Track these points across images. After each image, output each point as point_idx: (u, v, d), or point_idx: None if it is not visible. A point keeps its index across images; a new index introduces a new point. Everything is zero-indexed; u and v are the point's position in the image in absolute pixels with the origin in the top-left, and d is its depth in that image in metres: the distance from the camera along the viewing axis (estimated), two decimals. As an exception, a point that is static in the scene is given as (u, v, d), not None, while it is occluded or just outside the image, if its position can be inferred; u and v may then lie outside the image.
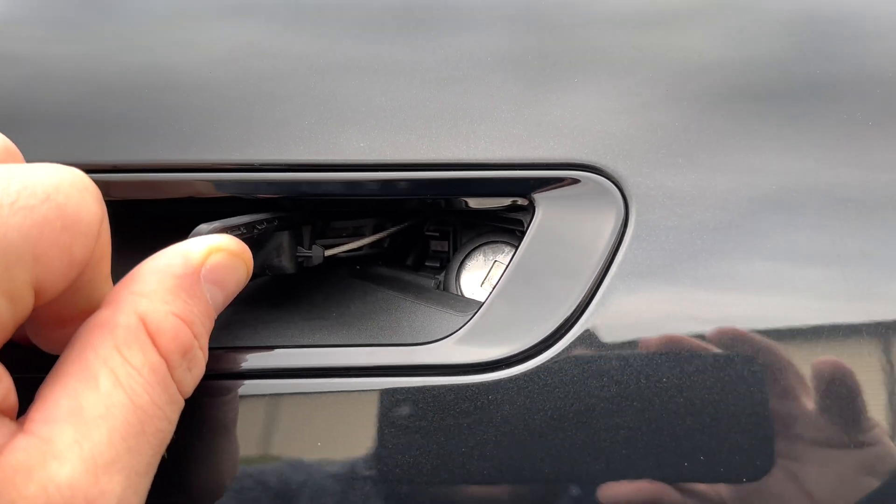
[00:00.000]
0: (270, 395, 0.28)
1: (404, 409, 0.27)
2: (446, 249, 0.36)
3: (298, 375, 0.28)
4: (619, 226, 0.28)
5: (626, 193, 0.28)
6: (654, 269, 0.28)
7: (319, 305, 0.33)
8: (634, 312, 0.27)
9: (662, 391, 0.27)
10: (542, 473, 0.27)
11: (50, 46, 0.32)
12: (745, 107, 0.30)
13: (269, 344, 0.29)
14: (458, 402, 0.27)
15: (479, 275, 0.34)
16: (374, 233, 0.34)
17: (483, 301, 0.30)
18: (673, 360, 0.27)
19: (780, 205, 0.28)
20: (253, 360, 0.28)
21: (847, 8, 0.32)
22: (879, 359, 0.27)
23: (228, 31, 0.32)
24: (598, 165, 0.29)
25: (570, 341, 0.27)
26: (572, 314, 0.28)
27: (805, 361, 0.27)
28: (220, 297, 0.26)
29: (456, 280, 0.34)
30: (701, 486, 0.26)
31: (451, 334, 0.28)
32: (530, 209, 0.30)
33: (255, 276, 0.28)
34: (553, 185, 0.29)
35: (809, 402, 0.27)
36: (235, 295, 0.27)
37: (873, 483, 0.26)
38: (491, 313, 0.28)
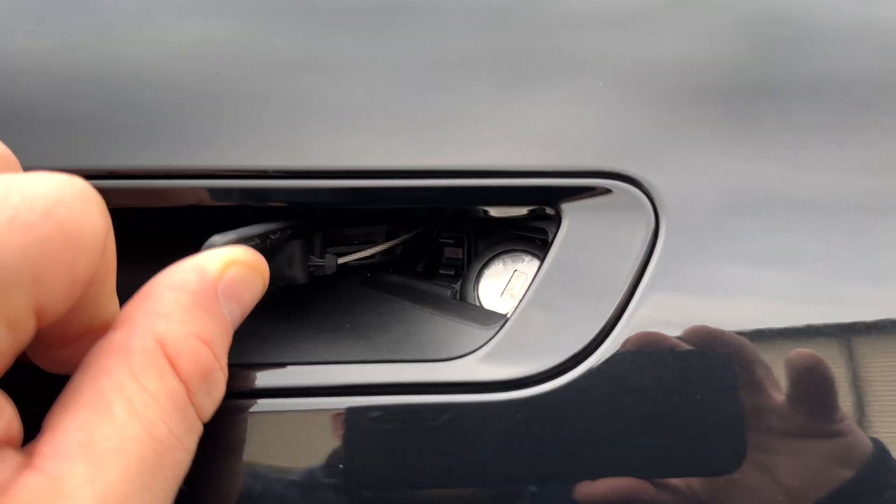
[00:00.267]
0: (286, 413, 0.26)
1: (429, 429, 0.26)
2: (461, 257, 0.35)
3: (315, 394, 0.26)
4: (650, 237, 0.27)
5: (657, 204, 0.27)
6: (687, 283, 0.27)
7: (331, 317, 0.31)
8: (667, 327, 0.26)
9: (696, 406, 0.26)
10: (575, 495, 0.26)
11: (21, 40, 0.30)
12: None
13: (282, 360, 0.27)
14: (487, 422, 0.26)
15: (498, 284, 0.33)
16: (386, 240, 0.33)
17: (507, 314, 0.29)
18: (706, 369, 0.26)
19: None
20: (267, 378, 0.27)
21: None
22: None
23: (229, 28, 0.30)
24: (629, 174, 0.28)
25: (602, 358, 0.26)
26: (602, 329, 0.27)
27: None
28: (238, 312, 0.24)
29: (474, 290, 0.33)
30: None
31: (476, 349, 0.27)
32: (555, 218, 0.29)
33: (265, 286, 0.26)
34: (582, 195, 0.28)
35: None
36: (251, 308, 0.25)
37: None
38: (519, 327, 0.27)
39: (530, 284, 0.28)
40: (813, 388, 0.26)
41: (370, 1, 0.30)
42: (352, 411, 0.26)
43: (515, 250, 0.33)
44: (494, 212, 0.30)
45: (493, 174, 0.28)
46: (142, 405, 0.20)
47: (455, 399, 0.26)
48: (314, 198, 0.28)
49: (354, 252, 0.32)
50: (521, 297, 0.28)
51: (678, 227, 0.27)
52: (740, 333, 0.26)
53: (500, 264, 0.33)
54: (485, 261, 0.33)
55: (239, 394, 0.26)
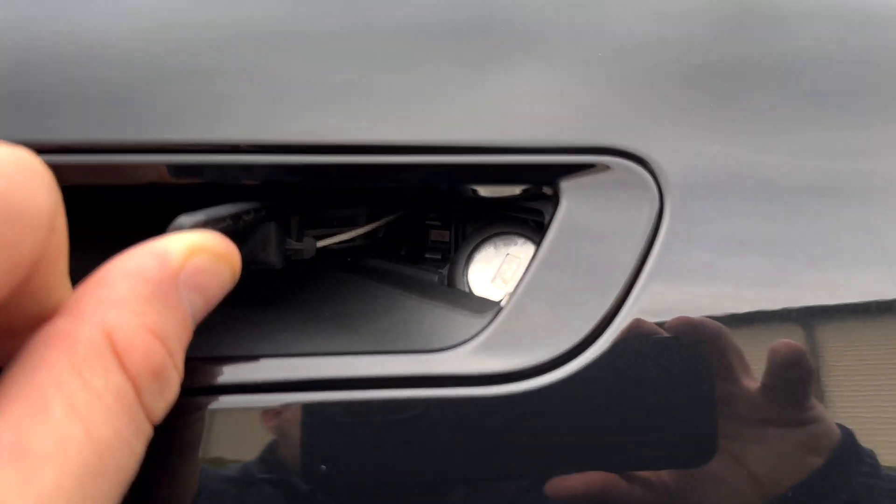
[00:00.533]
0: (258, 411, 0.24)
1: (420, 425, 0.24)
2: (448, 240, 0.32)
3: (294, 389, 0.24)
4: (654, 218, 0.25)
5: (662, 182, 0.26)
6: (693, 268, 0.25)
7: (310, 304, 0.29)
8: (672, 315, 0.25)
9: (702, 398, 0.24)
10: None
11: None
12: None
13: (255, 353, 0.25)
14: (482, 417, 0.24)
15: (489, 269, 0.31)
16: (368, 222, 0.31)
17: (500, 301, 0.27)
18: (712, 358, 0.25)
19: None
20: (239, 372, 0.24)
21: None
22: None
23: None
24: (630, 150, 0.26)
25: (603, 348, 0.24)
26: (604, 318, 0.25)
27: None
28: (201, 305, 0.22)
29: (464, 275, 0.31)
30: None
31: (469, 339, 0.25)
32: (552, 198, 0.27)
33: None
34: (581, 173, 0.26)
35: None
36: (218, 302, 0.23)
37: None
38: (515, 316, 0.25)
39: (526, 270, 0.26)
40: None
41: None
42: (335, 407, 0.24)
43: (507, 233, 0.31)
44: (486, 191, 0.28)
45: (487, 150, 0.26)
46: (84, 403, 0.18)
47: (448, 393, 0.24)
48: (291, 175, 0.25)
49: (334, 235, 0.30)
50: (516, 284, 0.26)
51: (684, 207, 0.26)
52: (748, 321, 0.25)
53: (492, 248, 0.31)
54: (475, 244, 0.31)
55: (207, 389, 0.24)
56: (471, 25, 0.27)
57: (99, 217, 0.27)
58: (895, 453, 0.25)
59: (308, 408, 0.24)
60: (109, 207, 0.28)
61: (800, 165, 0.27)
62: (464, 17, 0.28)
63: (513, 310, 0.25)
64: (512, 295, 0.25)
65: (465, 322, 0.26)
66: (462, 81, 0.26)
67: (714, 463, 0.24)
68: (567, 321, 0.25)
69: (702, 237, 0.25)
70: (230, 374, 0.24)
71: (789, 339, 0.25)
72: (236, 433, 0.24)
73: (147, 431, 0.20)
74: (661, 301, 0.25)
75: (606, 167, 0.26)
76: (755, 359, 0.25)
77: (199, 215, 0.22)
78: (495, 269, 0.31)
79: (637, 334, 0.25)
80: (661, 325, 0.25)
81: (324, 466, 0.24)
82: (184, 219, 0.22)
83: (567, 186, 0.26)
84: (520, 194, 0.28)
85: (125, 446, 0.19)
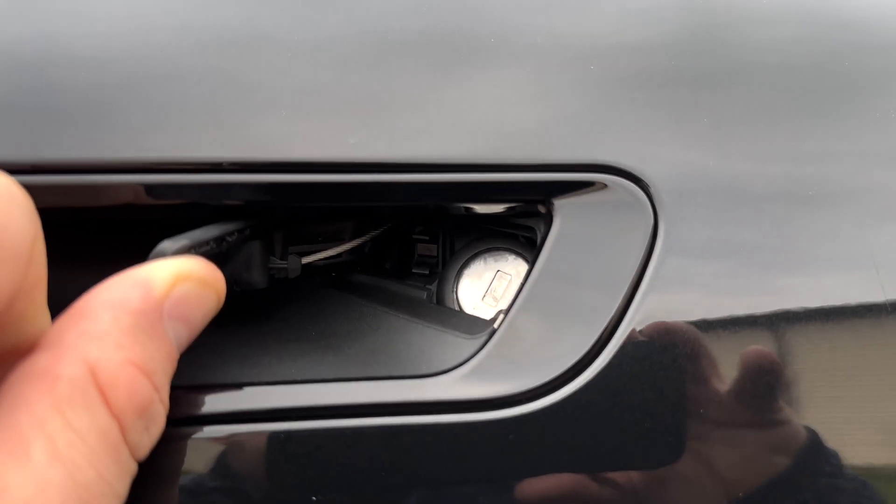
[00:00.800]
0: (246, 440, 0.23)
1: (413, 454, 0.23)
2: (435, 254, 0.32)
3: (280, 418, 0.23)
4: (649, 237, 0.25)
5: (656, 199, 0.25)
6: (689, 285, 0.25)
7: (294, 324, 0.28)
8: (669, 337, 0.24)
9: (705, 420, 0.24)
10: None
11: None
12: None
13: (240, 380, 0.24)
14: (477, 444, 0.23)
15: (479, 286, 0.30)
16: (354, 236, 0.30)
17: (493, 320, 0.26)
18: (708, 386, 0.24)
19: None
20: (222, 401, 0.23)
21: None
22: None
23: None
24: (625, 167, 0.25)
25: (600, 369, 0.24)
26: (599, 338, 0.24)
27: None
28: (185, 335, 0.21)
29: (453, 291, 0.30)
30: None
31: (463, 363, 0.24)
32: (544, 216, 0.26)
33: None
34: (576, 191, 0.25)
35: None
36: (201, 330, 0.22)
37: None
38: (509, 338, 0.24)
39: (520, 289, 0.25)
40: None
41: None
42: (324, 436, 0.23)
43: (498, 248, 0.31)
44: (477, 208, 0.27)
45: (478, 168, 0.25)
46: (66, 445, 0.17)
47: (441, 420, 0.23)
48: (277, 195, 0.24)
49: (319, 251, 0.29)
50: (509, 303, 0.25)
51: (678, 225, 0.25)
52: (747, 332, 0.25)
53: (482, 263, 0.31)
54: (464, 260, 0.30)
55: (189, 420, 0.23)
56: (458, 36, 0.27)
57: (75, 238, 0.26)
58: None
59: (296, 437, 0.23)
60: (86, 228, 0.26)
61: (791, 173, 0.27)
62: (451, 27, 0.27)
63: (507, 331, 0.25)
64: (505, 315, 0.25)
65: (455, 343, 0.25)
66: (451, 94, 0.26)
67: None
68: (562, 343, 0.24)
69: (697, 255, 0.25)
70: (213, 403, 0.23)
71: (762, 343, 0.25)
72: (220, 464, 0.23)
73: (131, 470, 0.19)
74: (657, 319, 0.24)
75: (604, 186, 0.25)
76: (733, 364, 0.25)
77: (182, 240, 0.21)
78: (486, 286, 0.30)
79: (632, 356, 0.24)
80: (651, 342, 0.24)
81: (315, 498, 0.23)
82: (166, 244, 0.21)
83: (561, 205, 0.25)
84: (510, 212, 0.28)
85: (108, 489, 0.18)
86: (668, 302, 0.25)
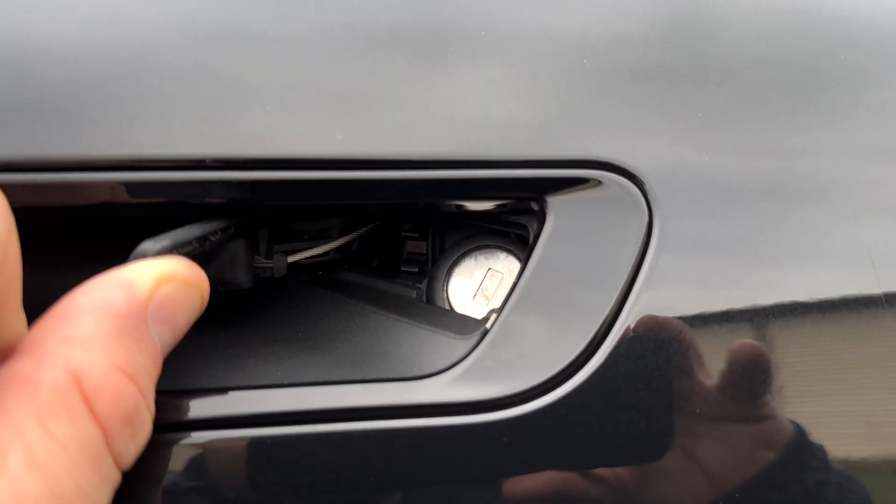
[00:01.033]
0: (232, 447, 0.22)
1: (404, 458, 0.23)
2: (425, 252, 0.31)
3: (268, 423, 0.23)
4: (644, 234, 0.24)
5: (650, 196, 0.25)
6: (685, 282, 0.24)
7: (281, 324, 0.27)
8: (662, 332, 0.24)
9: (698, 423, 0.24)
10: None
11: None
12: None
13: (225, 384, 0.23)
14: (471, 447, 0.23)
15: (470, 284, 0.29)
16: (341, 234, 0.29)
17: (484, 320, 0.26)
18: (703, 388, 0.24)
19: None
20: (207, 407, 0.23)
21: None
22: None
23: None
24: (620, 163, 0.25)
25: (595, 369, 0.24)
26: (594, 338, 0.24)
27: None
28: (170, 337, 0.20)
29: (444, 290, 0.29)
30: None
31: (455, 364, 0.24)
32: (536, 213, 0.26)
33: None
34: (570, 187, 0.25)
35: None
36: (185, 332, 0.21)
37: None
38: (502, 338, 0.24)
39: (512, 288, 0.24)
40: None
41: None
42: (312, 441, 0.22)
43: (489, 246, 0.30)
44: (469, 206, 0.26)
45: (469, 164, 0.24)
46: (46, 455, 0.16)
47: (433, 423, 0.23)
48: (261, 193, 0.23)
49: (305, 249, 0.28)
50: (501, 303, 0.25)
51: (672, 222, 0.25)
52: (744, 327, 0.24)
53: (472, 261, 0.30)
54: (455, 257, 0.30)
55: (175, 426, 0.22)
56: (448, 30, 0.26)
57: (52, 239, 0.25)
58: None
59: (283, 442, 0.22)
60: (64, 228, 0.25)
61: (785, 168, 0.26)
62: (441, 20, 0.26)
63: (499, 331, 0.24)
64: (498, 315, 0.24)
65: (447, 344, 0.25)
66: (442, 89, 0.25)
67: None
68: (556, 343, 0.24)
69: (693, 251, 0.25)
70: (197, 408, 0.23)
71: (757, 338, 0.25)
72: (205, 471, 0.22)
73: (114, 480, 0.18)
74: (651, 318, 0.24)
75: (598, 182, 0.24)
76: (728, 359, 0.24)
77: (164, 240, 0.20)
78: (477, 285, 0.29)
79: (628, 354, 0.24)
80: (647, 340, 0.24)
81: (303, 505, 0.22)
82: (147, 245, 0.20)
83: (554, 202, 0.25)
84: (502, 209, 0.27)
85: (88, 500, 0.17)
86: (663, 299, 0.24)
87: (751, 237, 0.25)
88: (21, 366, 0.17)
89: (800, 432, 0.25)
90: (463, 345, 0.24)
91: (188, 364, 0.24)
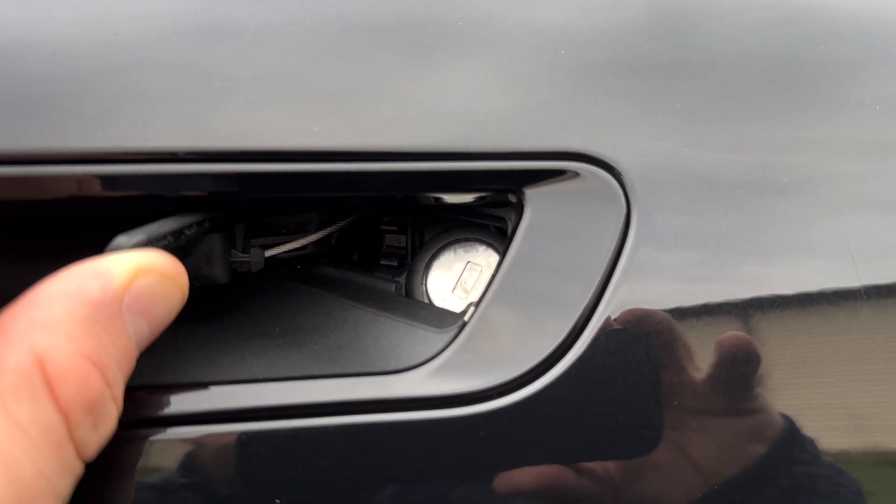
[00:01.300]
0: (208, 442, 0.22)
1: (381, 452, 0.22)
2: (404, 245, 0.31)
3: (244, 418, 0.22)
4: (622, 226, 0.24)
5: (628, 189, 0.25)
6: (664, 275, 0.24)
7: (258, 319, 0.27)
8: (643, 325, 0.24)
9: (677, 412, 0.24)
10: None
11: None
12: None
13: (202, 379, 0.23)
14: (448, 441, 0.23)
15: (449, 278, 0.29)
16: (320, 227, 0.29)
17: (463, 313, 0.26)
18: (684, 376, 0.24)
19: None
20: (184, 402, 0.22)
21: None
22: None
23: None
24: (597, 155, 0.25)
25: (573, 361, 0.24)
26: (572, 331, 0.24)
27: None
28: (146, 331, 0.20)
29: (423, 284, 0.29)
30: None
31: (433, 357, 0.24)
32: (515, 205, 0.25)
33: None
34: (548, 180, 0.25)
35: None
36: (165, 327, 0.21)
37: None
38: (480, 331, 0.24)
39: (490, 281, 0.24)
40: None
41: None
42: (289, 436, 0.22)
43: (468, 239, 0.30)
44: (447, 198, 0.26)
45: (447, 157, 0.24)
46: (5, 438, 0.16)
47: (411, 417, 0.23)
48: (238, 186, 0.23)
49: (283, 243, 0.28)
50: (480, 295, 0.24)
51: (650, 214, 0.25)
52: (722, 320, 0.24)
53: (451, 254, 0.30)
54: (433, 251, 0.30)
55: (148, 421, 0.22)
56: (427, 22, 0.26)
57: (24, 233, 0.25)
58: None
59: (260, 437, 0.22)
60: (37, 223, 0.25)
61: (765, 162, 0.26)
62: (419, 12, 0.26)
63: (477, 325, 0.24)
64: (476, 308, 0.24)
65: (425, 337, 0.25)
66: (419, 81, 0.25)
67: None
68: (535, 335, 0.24)
69: (671, 244, 0.25)
70: (174, 404, 0.22)
71: (738, 330, 0.25)
72: (182, 467, 0.22)
73: (76, 470, 0.18)
74: (630, 309, 0.24)
75: (576, 174, 0.24)
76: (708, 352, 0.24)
77: (139, 234, 0.20)
78: (456, 278, 0.29)
79: (606, 347, 0.24)
80: (625, 332, 0.24)
81: (278, 501, 0.22)
82: (122, 239, 0.20)
83: (532, 194, 0.25)
84: (480, 202, 0.27)
85: (48, 486, 0.17)
86: (641, 292, 0.24)
87: (731, 230, 0.25)
88: None
89: (783, 425, 0.25)
90: (441, 338, 0.24)
91: (164, 359, 0.24)
